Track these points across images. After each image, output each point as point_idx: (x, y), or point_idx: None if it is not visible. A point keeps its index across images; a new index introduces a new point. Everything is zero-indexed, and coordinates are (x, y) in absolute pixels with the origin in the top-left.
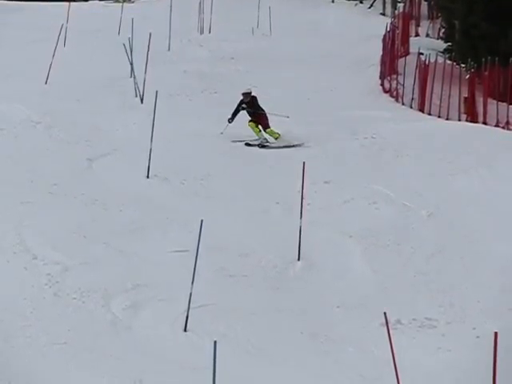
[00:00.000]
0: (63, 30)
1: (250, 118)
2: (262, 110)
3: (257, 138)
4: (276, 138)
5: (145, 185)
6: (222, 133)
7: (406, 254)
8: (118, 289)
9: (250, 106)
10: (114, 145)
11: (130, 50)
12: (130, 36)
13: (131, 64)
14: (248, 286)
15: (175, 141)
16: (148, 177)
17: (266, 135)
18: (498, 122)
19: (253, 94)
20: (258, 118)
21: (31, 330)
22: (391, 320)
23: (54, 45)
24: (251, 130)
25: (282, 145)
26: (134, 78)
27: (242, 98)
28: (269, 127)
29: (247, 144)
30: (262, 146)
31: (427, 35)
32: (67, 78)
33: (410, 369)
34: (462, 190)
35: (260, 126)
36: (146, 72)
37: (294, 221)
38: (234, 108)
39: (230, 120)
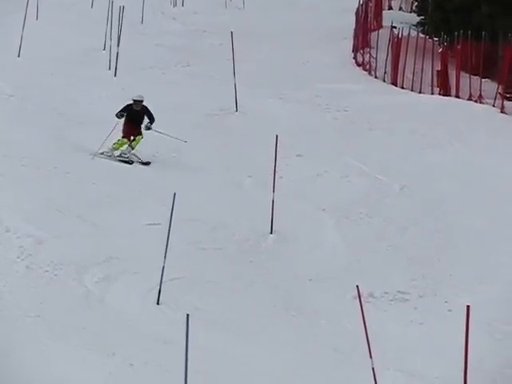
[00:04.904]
0: (35, 2)
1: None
2: (141, 123)
3: (110, 147)
4: (132, 148)
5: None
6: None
7: (379, 227)
8: (91, 262)
9: (138, 115)
10: (86, 118)
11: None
12: (104, 9)
13: (119, 37)
14: (221, 259)
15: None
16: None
17: (116, 151)
18: (470, 95)
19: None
20: (135, 129)
21: (3, 303)
22: (364, 293)
23: (26, 17)
24: (119, 145)
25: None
26: (117, 49)
27: (131, 103)
28: (141, 134)
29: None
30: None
31: (400, 9)
32: (40, 51)
33: (382, 342)
34: (434, 163)
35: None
36: (118, 45)
37: (267, 194)
38: (121, 109)
39: (119, 116)
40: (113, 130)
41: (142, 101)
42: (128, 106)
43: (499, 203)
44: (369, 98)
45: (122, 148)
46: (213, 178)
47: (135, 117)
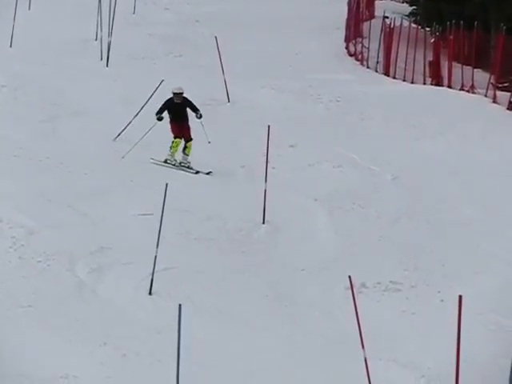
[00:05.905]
0: None
1: (174, 134)
2: (186, 117)
3: (169, 153)
4: (187, 155)
5: (110, 148)
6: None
7: (371, 218)
8: (83, 252)
9: (181, 109)
10: (79, 108)
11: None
12: None
13: (111, 28)
14: (213, 249)
15: (140, 105)
16: (115, 140)
17: (177, 153)
18: (462, 85)
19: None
20: (183, 126)
21: None
22: (356, 283)
23: (19, 8)
24: (175, 147)
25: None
26: (109, 39)
27: (171, 96)
28: (191, 139)
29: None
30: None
31: None
32: (32, 42)
33: (374, 332)
34: (426, 154)
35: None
36: (110, 35)
37: (259, 184)
38: (160, 107)
39: (160, 117)
40: (141, 140)
41: (182, 93)
42: (168, 100)
43: (492, 194)
44: (361, 88)
45: (178, 148)
46: (205, 169)
47: (178, 111)
